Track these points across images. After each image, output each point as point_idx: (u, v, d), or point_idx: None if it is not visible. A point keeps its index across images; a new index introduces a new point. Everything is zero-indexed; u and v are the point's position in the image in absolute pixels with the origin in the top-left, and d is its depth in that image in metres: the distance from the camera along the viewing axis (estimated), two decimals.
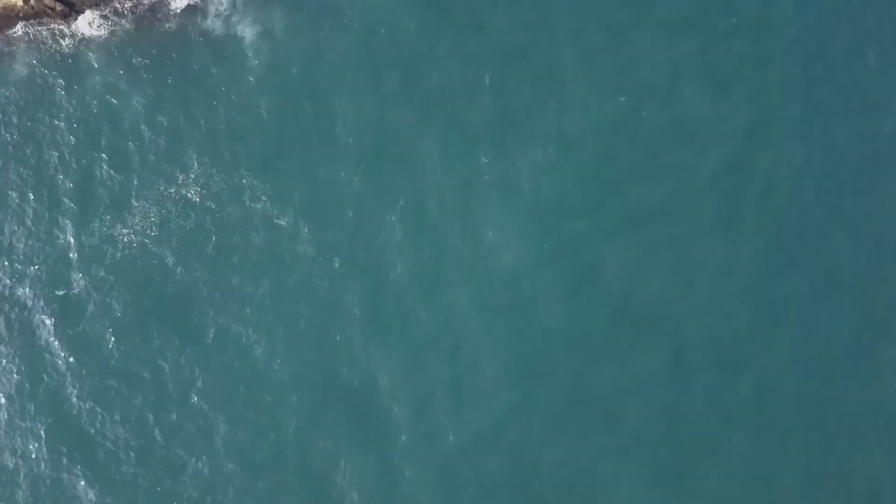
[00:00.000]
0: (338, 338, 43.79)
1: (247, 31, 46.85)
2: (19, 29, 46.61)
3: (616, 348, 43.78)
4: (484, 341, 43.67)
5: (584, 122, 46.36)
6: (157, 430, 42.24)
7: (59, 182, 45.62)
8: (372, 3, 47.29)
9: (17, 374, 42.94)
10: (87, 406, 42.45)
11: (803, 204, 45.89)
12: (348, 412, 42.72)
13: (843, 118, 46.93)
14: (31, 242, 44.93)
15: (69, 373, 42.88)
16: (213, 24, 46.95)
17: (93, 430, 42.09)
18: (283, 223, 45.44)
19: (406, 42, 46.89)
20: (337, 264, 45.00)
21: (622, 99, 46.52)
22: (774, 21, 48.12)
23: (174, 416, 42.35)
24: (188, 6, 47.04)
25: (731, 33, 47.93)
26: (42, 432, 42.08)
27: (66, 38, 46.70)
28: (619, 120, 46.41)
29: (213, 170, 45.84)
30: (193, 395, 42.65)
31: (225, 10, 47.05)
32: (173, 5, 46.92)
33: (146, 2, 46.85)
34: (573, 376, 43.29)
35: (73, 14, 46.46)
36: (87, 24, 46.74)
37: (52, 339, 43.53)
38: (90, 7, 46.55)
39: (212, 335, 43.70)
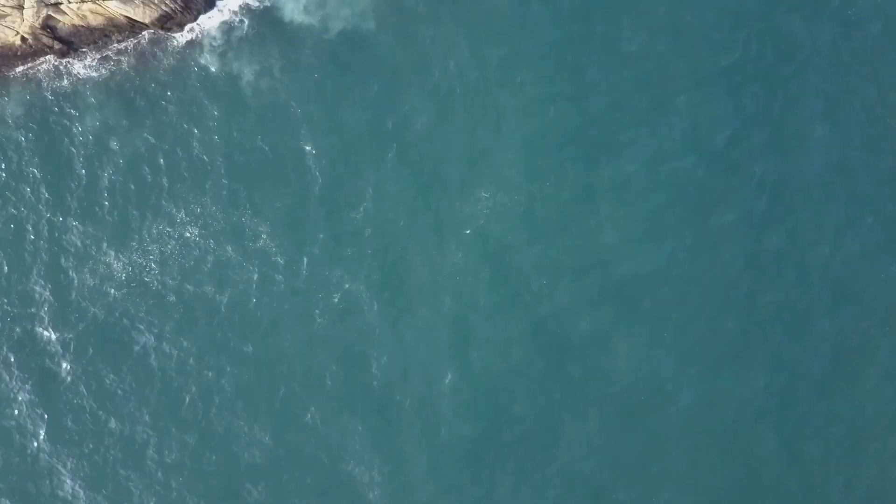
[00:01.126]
0: (330, 382, 44.50)
1: (245, 70, 46.93)
2: (17, 67, 46.70)
3: None
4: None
5: None
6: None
7: (58, 221, 45.80)
8: (370, 43, 47.40)
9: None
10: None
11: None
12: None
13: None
14: (25, 280, 45.40)
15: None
16: (211, 63, 47.02)
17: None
18: (280, 260, 45.79)
19: (403, 84, 47.21)
20: (336, 299, 45.53)
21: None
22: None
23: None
24: (186, 43, 47.11)
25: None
26: None
27: (64, 77, 46.74)
28: None
29: (213, 208, 46.05)
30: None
31: (222, 48, 47.04)
32: (170, 44, 46.94)
33: (143, 40, 46.90)
34: None
35: (71, 52, 46.48)
36: (85, 62, 46.79)
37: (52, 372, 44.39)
38: (88, 45, 46.57)
39: (211, 371, 44.34)
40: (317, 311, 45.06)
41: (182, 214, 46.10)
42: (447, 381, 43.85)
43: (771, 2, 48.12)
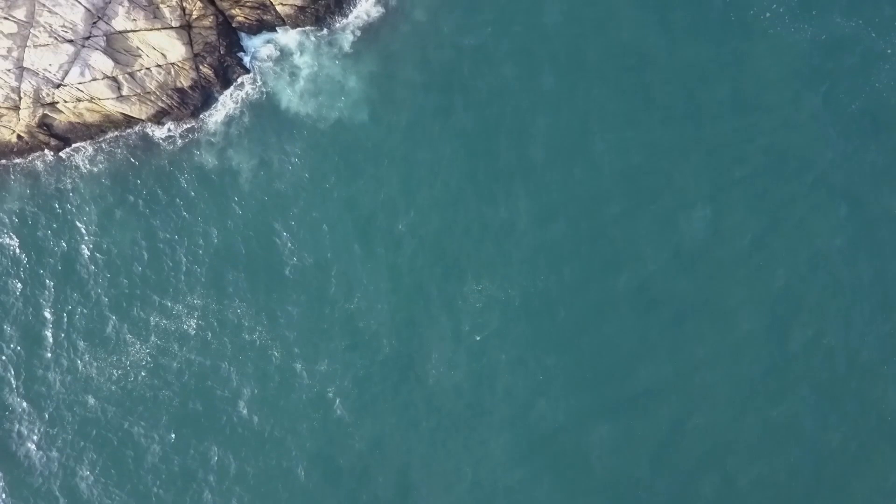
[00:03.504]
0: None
1: (241, 163, 47.16)
2: (13, 160, 46.97)
3: None
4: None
5: None
6: None
7: (55, 314, 45.86)
8: (363, 134, 47.74)
9: None
10: None
11: None
12: None
13: None
14: (19, 373, 45.45)
15: None
16: (208, 155, 47.27)
17: None
18: (276, 354, 45.82)
19: (394, 177, 47.53)
20: (330, 394, 45.49)
21: None
22: None
23: None
24: (182, 136, 47.41)
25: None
26: None
27: (60, 169, 47.00)
28: None
29: (210, 301, 46.14)
30: None
31: (218, 140, 47.33)
32: (166, 137, 47.25)
33: (139, 133, 47.21)
34: None
35: (68, 147, 46.80)
36: (81, 155, 47.07)
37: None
38: (84, 139, 46.88)
39: (215, 460, 44.34)
40: (311, 409, 45.04)
41: (179, 307, 46.16)
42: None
43: (787, 106, 48.51)
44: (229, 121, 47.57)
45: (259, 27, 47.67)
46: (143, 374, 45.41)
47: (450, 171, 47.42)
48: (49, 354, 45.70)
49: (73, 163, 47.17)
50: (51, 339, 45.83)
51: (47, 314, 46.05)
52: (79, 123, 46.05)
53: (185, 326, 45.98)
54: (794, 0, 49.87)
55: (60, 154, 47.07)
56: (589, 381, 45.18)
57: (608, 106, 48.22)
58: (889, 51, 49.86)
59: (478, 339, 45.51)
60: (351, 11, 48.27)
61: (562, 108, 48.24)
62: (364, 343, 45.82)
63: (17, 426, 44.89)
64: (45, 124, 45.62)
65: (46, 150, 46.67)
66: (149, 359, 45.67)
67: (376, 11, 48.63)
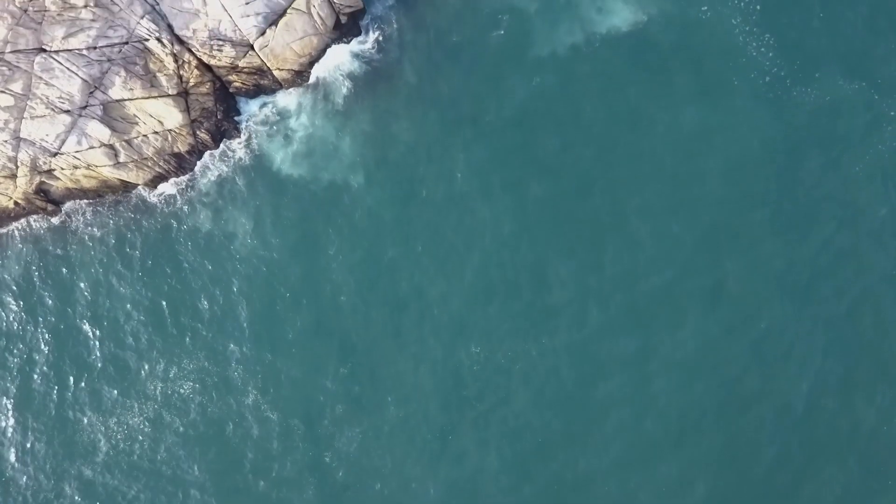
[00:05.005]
0: None
1: (237, 225, 47.22)
2: (9, 225, 47.19)
3: None
4: None
5: None
6: None
7: (53, 377, 46.24)
8: (357, 196, 47.72)
9: None
10: None
11: None
12: None
13: None
14: (16, 437, 45.89)
15: None
16: (204, 217, 47.32)
17: None
18: (273, 416, 46.18)
19: (389, 240, 47.58)
20: (328, 459, 45.86)
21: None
22: None
23: None
24: (178, 198, 47.49)
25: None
26: None
27: (58, 236, 47.19)
28: None
29: (206, 363, 46.47)
30: None
31: (215, 202, 47.42)
32: (163, 199, 47.37)
33: (136, 196, 47.31)
34: None
35: (63, 210, 46.97)
36: (78, 220, 47.21)
37: None
38: (79, 202, 47.02)
39: None
40: (309, 473, 45.40)
41: (177, 370, 46.46)
42: None
43: (791, 170, 48.26)
44: (224, 184, 47.60)
45: (256, 91, 47.57)
46: (141, 437, 45.74)
47: (448, 231, 47.51)
48: (46, 418, 46.06)
49: (70, 227, 47.35)
50: (48, 402, 46.14)
51: (45, 377, 46.36)
52: (76, 189, 46.18)
53: (182, 389, 46.28)
54: (797, 63, 49.44)
55: (57, 218, 47.19)
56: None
57: (610, 172, 48.01)
58: (892, 112, 49.50)
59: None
60: (346, 73, 48.01)
61: (562, 173, 48.06)
62: (363, 406, 46.02)
63: (11, 491, 45.35)
64: (42, 190, 45.73)
65: (43, 215, 46.72)
66: (147, 422, 46.01)
67: (372, 72, 48.48)
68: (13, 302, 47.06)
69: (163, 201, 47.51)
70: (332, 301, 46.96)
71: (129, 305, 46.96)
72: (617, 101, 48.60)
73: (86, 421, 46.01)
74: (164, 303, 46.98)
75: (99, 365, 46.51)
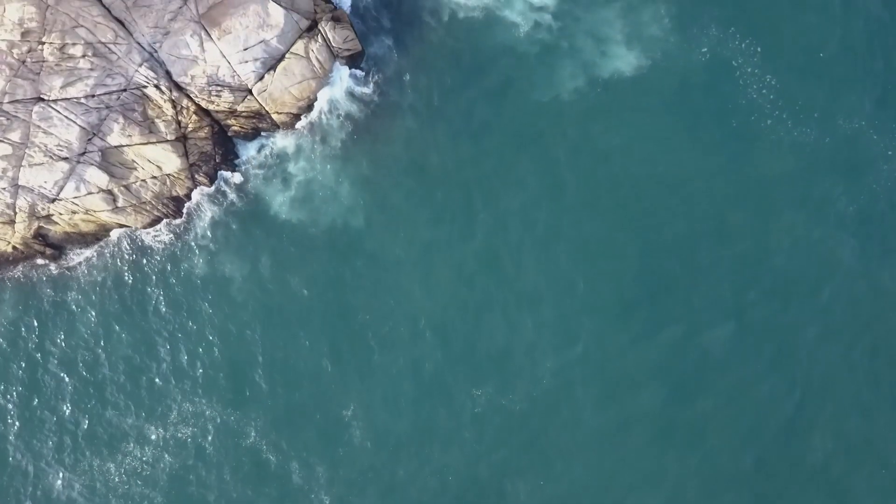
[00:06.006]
0: None
1: (235, 270, 47.11)
2: (7, 271, 47.12)
3: None
4: None
5: None
6: None
7: (50, 422, 46.20)
8: (357, 240, 47.69)
9: None
10: None
11: None
12: None
13: None
14: (12, 482, 46.04)
15: None
16: (201, 262, 47.24)
17: None
18: (272, 459, 46.35)
19: (390, 285, 47.57)
20: (327, 502, 46.04)
21: None
22: None
23: None
24: (177, 242, 47.42)
25: None
26: None
27: (55, 280, 47.17)
28: None
29: (205, 408, 46.53)
30: None
31: (213, 246, 47.29)
32: (159, 242, 47.28)
33: (132, 239, 47.22)
34: None
35: (62, 255, 46.92)
36: (76, 263, 47.17)
37: None
38: (79, 247, 47.00)
39: None
40: None
41: (175, 415, 46.55)
42: None
43: (793, 210, 48.43)
44: (223, 227, 47.50)
45: (255, 134, 47.45)
46: (139, 481, 45.89)
47: (448, 276, 47.55)
48: (43, 462, 46.14)
49: (67, 270, 47.27)
50: (45, 445, 46.20)
51: (42, 421, 46.40)
52: (74, 233, 46.11)
53: (180, 434, 46.38)
54: (797, 104, 49.35)
55: (55, 262, 47.11)
56: None
57: (611, 214, 47.96)
58: (890, 152, 49.50)
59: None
60: (345, 116, 47.87)
61: (564, 217, 47.99)
62: (361, 450, 46.13)
63: None
64: (40, 235, 45.67)
65: (41, 259, 46.68)
66: (145, 465, 46.12)
67: (371, 115, 48.33)
68: (8, 345, 46.96)
69: (160, 245, 47.43)
70: (332, 345, 46.98)
71: (123, 349, 46.92)
72: (618, 144, 48.45)
73: (85, 464, 46.09)
74: (159, 346, 46.96)
75: (95, 409, 46.50)
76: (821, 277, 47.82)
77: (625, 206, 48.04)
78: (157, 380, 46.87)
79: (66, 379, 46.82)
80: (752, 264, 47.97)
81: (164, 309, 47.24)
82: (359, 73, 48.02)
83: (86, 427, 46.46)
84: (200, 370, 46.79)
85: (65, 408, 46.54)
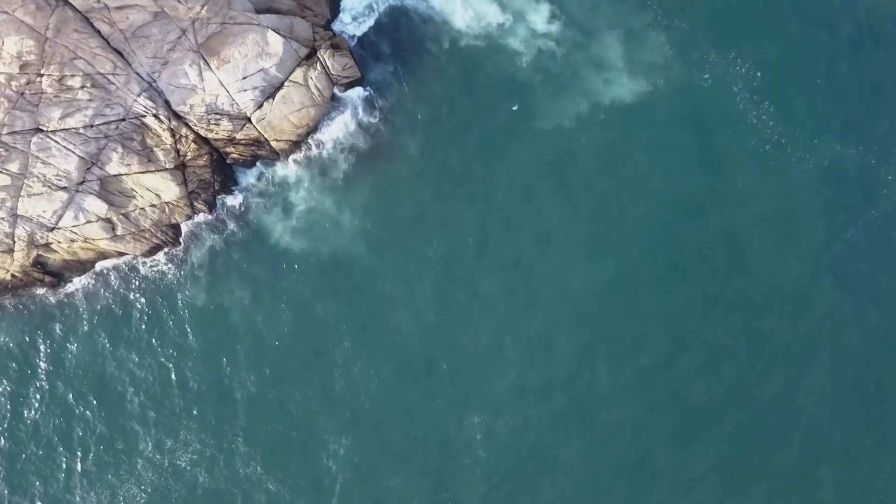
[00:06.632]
0: None
1: (235, 299, 47.05)
2: (5, 299, 47.00)
3: None
4: None
5: None
6: None
7: (48, 448, 46.25)
8: (359, 269, 47.55)
9: None
10: None
11: None
12: None
13: None
14: None
15: None
16: (200, 290, 47.14)
17: None
18: (272, 487, 46.37)
19: (391, 313, 47.51)
20: None
21: None
22: None
23: None
24: (175, 270, 47.30)
25: None
26: None
27: (53, 306, 47.01)
28: None
29: (203, 435, 46.51)
30: None
31: (212, 274, 47.23)
32: (158, 270, 47.17)
33: (130, 266, 47.14)
34: None
35: (61, 283, 46.82)
36: (74, 291, 47.04)
37: None
38: (77, 274, 46.89)
39: None
40: None
41: (171, 442, 46.53)
42: None
43: (791, 238, 48.45)
44: (222, 256, 47.47)
45: (253, 161, 47.34)
46: None
47: (449, 307, 47.47)
48: (41, 489, 46.09)
49: (66, 297, 47.16)
50: (42, 473, 46.12)
51: (40, 448, 46.32)
52: (73, 261, 46.00)
53: (179, 461, 46.35)
54: (796, 130, 49.37)
55: (53, 289, 46.99)
56: None
57: (615, 240, 48.02)
58: (890, 177, 49.54)
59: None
60: (345, 143, 47.75)
61: (567, 244, 47.94)
62: (368, 478, 46.26)
63: None
64: (38, 263, 45.58)
65: (39, 286, 46.56)
66: (144, 494, 46.11)
67: (372, 142, 48.19)
68: (7, 371, 46.87)
69: (159, 273, 47.34)
70: (336, 373, 46.92)
71: (121, 377, 46.87)
72: (620, 172, 48.45)
73: (80, 490, 46.05)
74: (157, 373, 46.89)
75: (92, 436, 46.42)
76: (820, 303, 47.85)
77: (625, 232, 48.11)
78: (153, 407, 46.81)
79: (59, 407, 46.75)
80: (751, 289, 48.00)
81: (162, 336, 47.16)
82: (360, 101, 47.79)
83: (79, 454, 46.37)
84: (197, 398, 46.73)
85: (58, 435, 46.45)
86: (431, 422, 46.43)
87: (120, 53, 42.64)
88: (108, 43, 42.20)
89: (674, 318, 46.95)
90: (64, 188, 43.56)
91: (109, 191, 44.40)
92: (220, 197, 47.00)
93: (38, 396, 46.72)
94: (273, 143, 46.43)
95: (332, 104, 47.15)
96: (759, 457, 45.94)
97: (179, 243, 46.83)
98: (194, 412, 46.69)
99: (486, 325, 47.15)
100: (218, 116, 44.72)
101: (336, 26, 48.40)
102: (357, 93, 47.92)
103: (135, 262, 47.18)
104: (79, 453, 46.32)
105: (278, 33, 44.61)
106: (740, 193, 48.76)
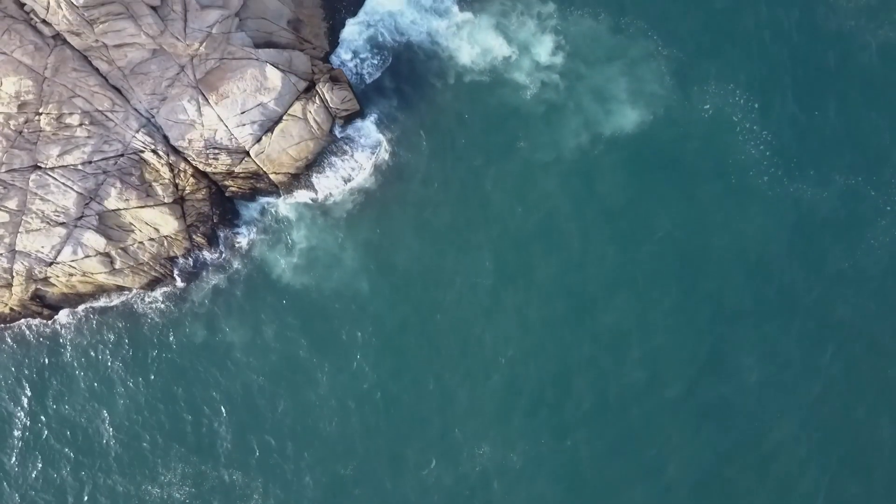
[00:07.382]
0: None
1: (235, 336, 46.95)
2: (4, 330, 46.95)
3: None
4: None
5: None
6: None
7: (43, 482, 46.22)
8: (361, 305, 47.47)
9: None
10: None
11: None
12: None
13: None
14: None
15: None
16: (200, 326, 47.05)
17: None
18: None
19: (396, 350, 47.49)
20: None
21: None
22: None
23: None
24: (174, 304, 47.27)
25: None
26: None
27: (52, 340, 47.02)
28: None
29: (202, 467, 46.56)
30: None
31: (212, 309, 47.15)
32: (157, 305, 47.14)
33: (129, 300, 47.12)
34: None
35: (59, 315, 46.78)
36: (72, 324, 47.03)
37: None
38: (76, 307, 46.87)
39: None
40: None
41: (170, 476, 46.57)
42: None
43: (791, 264, 48.40)
44: (221, 290, 47.42)
45: (252, 195, 47.26)
46: None
47: (455, 344, 47.45)
48: None
49: (64, 331, 47.13)
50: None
51: (36, 482, 46.31)
52: (71, 294, 45.94)
53: (177, 495, 46.40)
54: (794, 161, 49.36)
55: (52, 323, 46.97)
56: None
57: (615, 270, 48.03)
58: (888, 208, 49.54)
59: None
60: (346, 178, 47.69)
61: (569, 280, 47.93)
62: None
63: None
64: (37, 296, 45.52)
65: (37, 319, 46.55)
66: None
67: (373, 178, 48.10)
68: (5, 405, 46.90)
69: (156, 309, 47.30)
70: (337, 412, 46.90)
71: (119, 411, 46.90)
72: (620, 201, 48.36)
73: None
74: (156, 408, 46.89)
75: (90, 466, 46.50)
76: (822, 335, 47.90)
77: (626, 262, 48.10)
78: (149, 443, 46.80)
79: (57, 441, 46.77)
80: (748, 319, 48.03)
81: (160, 373, 47.13)
82: (362, 134, 47.71)
83: (77, 489, 46.40)
84: (193, 435, 46.73)
85: (55, 470, 46.46)
86: (437, 467, 46.43)
87: (118, 90, 42.52)
88: (107, 80, 42.06)
89: (682, 360, 47.09)
90: (62, 224, 43.48)
91: (108, 225, 44.32)
92: (219, 229, 46.87)
93: (32, 427, 46.71)
94: (272, 177, 46.35)
95: (333, 137, 47.02)
96: None
97: (179, 277, 46.73)
98: (193, 447, 46.67)
99: (495, 371, 47.08)
100: (216, 151, 44.63)
101: (335, 59, 48.28)
102: (358, 126, 47.77)
103: (134, 295, 47.08)
104: (71, 486, 46.34)
105: (277, 67, 44.49)
106: (737, 224, 48.71)
